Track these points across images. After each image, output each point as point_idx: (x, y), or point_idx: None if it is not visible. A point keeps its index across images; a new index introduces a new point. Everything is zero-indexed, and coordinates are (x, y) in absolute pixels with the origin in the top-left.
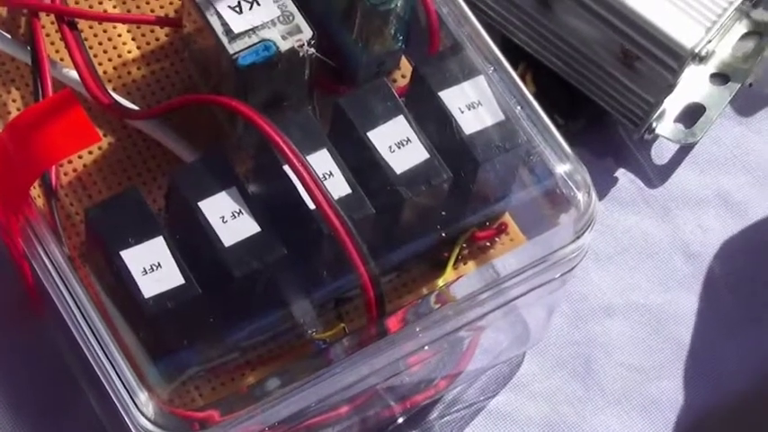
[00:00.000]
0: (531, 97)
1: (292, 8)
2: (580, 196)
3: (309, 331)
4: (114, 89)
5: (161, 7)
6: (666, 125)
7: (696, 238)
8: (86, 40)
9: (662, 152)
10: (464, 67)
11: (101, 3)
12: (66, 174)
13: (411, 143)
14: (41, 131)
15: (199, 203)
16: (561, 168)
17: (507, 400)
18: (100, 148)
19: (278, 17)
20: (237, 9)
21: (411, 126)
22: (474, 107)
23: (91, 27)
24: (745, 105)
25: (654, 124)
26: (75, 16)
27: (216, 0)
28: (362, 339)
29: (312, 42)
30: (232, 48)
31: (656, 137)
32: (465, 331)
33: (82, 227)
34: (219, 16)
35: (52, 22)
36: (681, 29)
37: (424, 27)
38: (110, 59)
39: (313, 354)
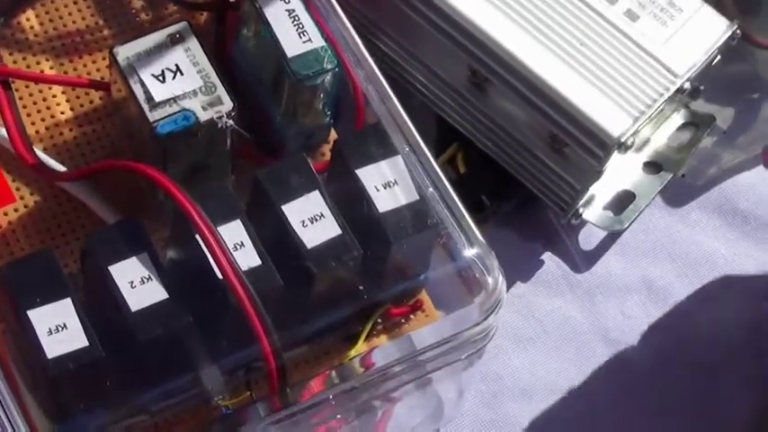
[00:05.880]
0: (445, 180)
1: (215, 79)
2: (489, 280)
3: (216, 397)
4: (45, 149)
5: (97, 70)
6: (594, 211)
7: (617, 324)
8: (21, 99)
9: (590, 237)
10: (383, 145)
11: (38, 63)
12: None
13: (324, 219)
14: None
15: (109, 267)
16: (470, 252)
17: None
18: (26, 206)
19: (200, 87)
20: (161, 78)
21: (326, 202)
22: (390, 186)
23: (27, 86)
24: (676, 196)
25: (581, 210)
26: (11, 76)
27: (140, 68)
28: (269, 408)
29: (232, 114)
30: (152, 116)
31: (584, 222)
32: (377, 403)
33: None
34: (142, 84)
35: None
36: (608, 117)
37: (352, 102)
38: (43, 119)
39: (218, 420)
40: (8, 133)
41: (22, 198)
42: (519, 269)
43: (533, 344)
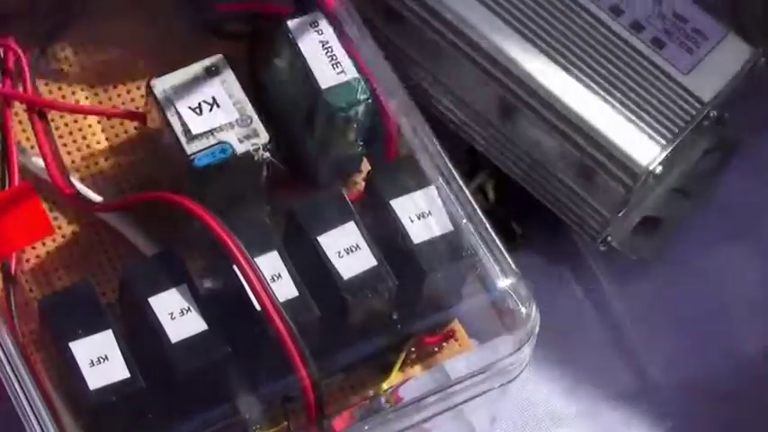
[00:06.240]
0: (479, 210)
1: (251, 111)
2: (522, 310)
3: (254, 427)
4: (82, 179)
5: (132, 100)
6: (623, 237)
7: (646, 351)
8: (57, 129)
9: (617, 263)
10: (417, 176)
11: (74, 93)
12: (28, 260)
13: (360, 250)
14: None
15: (149, 299)
16: (504, 282)
17: None
18: (63, 236)
19: (236, 120)
20: (197, 110)
21: (361, 233)
22: (424, 217)
23: (62, 116)
24: (702, 222)
25: (609, 237)
26: (47, 107)
27: (177, 100)
28: None
29: (268, 147)
30: (189, 148)
31: (612, 249)
32: None
33: None
34: (179, 116)
35: (26, 110)
36: (637, 146)
37: (386, 133)
38: (79, 149)
39: None
40: (45, 164)
41: (59, 228)
42: (547, 295)
43: (563, 370)
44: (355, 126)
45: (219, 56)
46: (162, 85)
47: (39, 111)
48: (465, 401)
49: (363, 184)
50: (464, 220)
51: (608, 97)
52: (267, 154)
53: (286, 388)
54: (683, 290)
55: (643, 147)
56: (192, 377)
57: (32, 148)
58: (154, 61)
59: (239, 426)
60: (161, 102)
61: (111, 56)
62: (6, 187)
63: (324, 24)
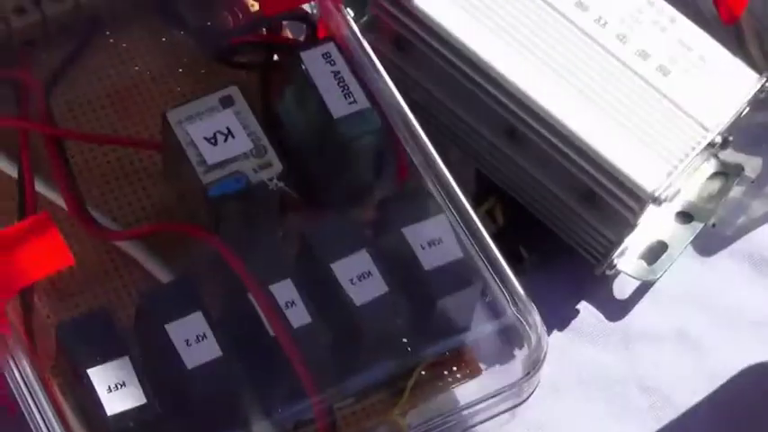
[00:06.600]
0: (488, 238)
1: (265, 141)
2: (531, 334)
3: None
4: (97, 206)
5: (146, 129)
6: (629, 261)
7: (652, 372)
8: (73, 157)
9: (623, 287)
10: (427, 204)
11: (89, 122)
12: (44, 287)
13: (372, 276)
14: (17, 253)
15: (165, 326)
16: (513, 308)
17: None
18: (80, 263)
19: (251, 150)
20: (212, 141)
21: (373, 260)
22: (434, 244)
23: (78, 144)
24: (707, 245)
25: (615, 260)
26: (62, 136)
27: (192, 131)
28: None
29: (282, 176)
30: (205, 178)
31: (618, 272)
32: None
33: None
34: (195, 147)
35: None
36: (643, 172)
37: (396, 161)
38: (94, 178)
39: None
40: (61, 192)
41: (75, 254)
42: (554, 318)
43: (571, 392)
44: (367, 154)
45: (234, 87)
46: (177, 115)
47: (54, 139)
48: (475, 426)
49: (375, 211)
50: (474, 247)
51: (614, 123)
52: (281, 183)
53: (299, 413)
54: (686, 310)
55: (648, 172)
56: (208, 402)
57: (49, 177)
58: (168, 91)
59: None
60: (176, 132)
61: (126, 85)
62: (24, 217)
63: (336, 54)
